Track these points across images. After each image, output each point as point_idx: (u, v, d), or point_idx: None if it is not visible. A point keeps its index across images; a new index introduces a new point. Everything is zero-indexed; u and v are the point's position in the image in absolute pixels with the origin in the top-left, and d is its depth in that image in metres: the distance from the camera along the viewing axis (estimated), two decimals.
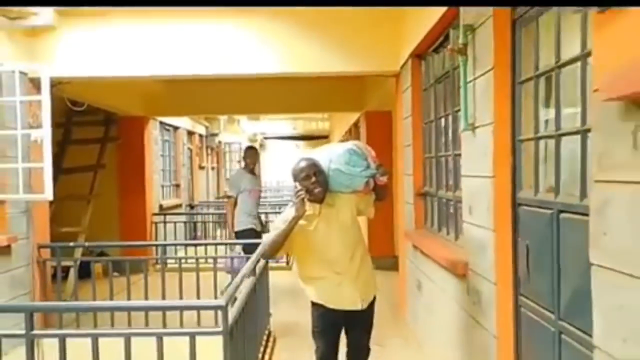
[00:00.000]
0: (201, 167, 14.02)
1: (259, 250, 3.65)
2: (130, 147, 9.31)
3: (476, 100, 3.09)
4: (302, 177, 3.08)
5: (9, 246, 5.15)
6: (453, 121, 3.92)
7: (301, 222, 3.06)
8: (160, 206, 10.22)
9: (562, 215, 2.25)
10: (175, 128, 11.63)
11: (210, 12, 5.45)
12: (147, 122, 9.53)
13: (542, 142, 2.53)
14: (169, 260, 7.13)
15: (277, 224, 3.16)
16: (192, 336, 2.71)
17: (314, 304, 3.20)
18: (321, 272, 3.13)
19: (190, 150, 12.95)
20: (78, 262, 6.16)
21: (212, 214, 11.93)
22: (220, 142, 16.10)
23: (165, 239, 9.50)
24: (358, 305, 3.14)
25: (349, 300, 3.13)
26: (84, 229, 7.81)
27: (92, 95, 7.01)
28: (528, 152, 2.66)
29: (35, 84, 5.18)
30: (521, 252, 2.67)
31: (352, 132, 11.52)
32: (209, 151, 15.08)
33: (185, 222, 10.62)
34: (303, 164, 3.13)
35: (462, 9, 3.26)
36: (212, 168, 15.69)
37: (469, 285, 3.28)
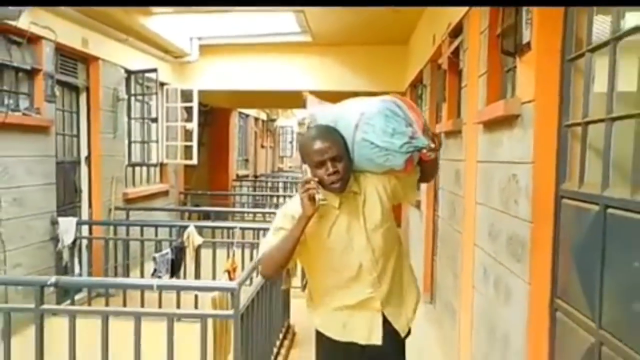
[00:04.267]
0: (262, 147, 17.68)
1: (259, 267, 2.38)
2: (219, 130, 12.99)
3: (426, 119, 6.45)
4: (315, 162, 2.05)
5: (167, 191, 8.80)
6: None
7: (313, 218, 2.04)
8: (237, 175, 13.88)
9: None
10: (247, 115, 15.25)
11: (281, 52, 8.85)
12: (231, 113, 13.16)
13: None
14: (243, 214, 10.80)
15: (278, 224, 2.15)
16: (204, 318, 2.93)
17: (318, 335, 2.30)
18: (336, 292, 2.19)
19: (256, 133, 16.59)
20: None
21: (271, 181, 15.58)
22: (276, 126, 19.67)
23: (240, 199, 13.16)
24: (377, 338, 2.18)
25: (366, 331, 2.19)
26: (192, 186, 11.50)
27: (208, 97, 10.58)
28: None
29: (184, 94, 8.76)
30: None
31: None
32: (268, 133, 18.69)
33: (254, 187, 14.27)
34: (317, 142, 2.05)
35: (424, 76, 6.59)
36: (270, 147, 19.33)
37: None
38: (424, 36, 6.51)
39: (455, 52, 4.69)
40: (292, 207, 2.15)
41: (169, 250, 4.97)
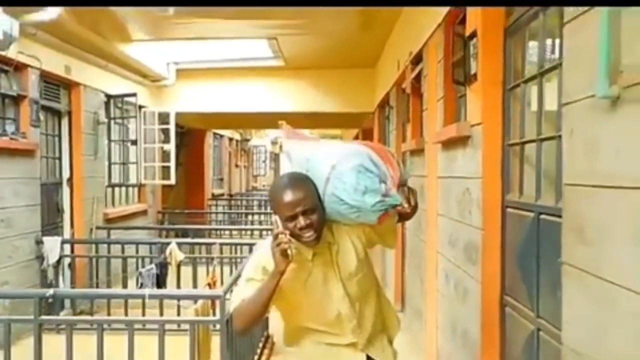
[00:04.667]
0: (237, 166, 17.94)
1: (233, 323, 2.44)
2: (194, 150, 13.23)
3: (391, 139, 6.85)
4: (286, 216, 1.92)
5: (146, 211, 9.01)
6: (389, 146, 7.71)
7: (287, 271, 1.93)
8: (212, 194, 14.11)
9: None
10: (221, 136, 15.53)
11: (254, 76, 9.22)
12: (206, 133, 13.43)
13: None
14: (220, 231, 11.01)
15: (250, 274, 2.05)
16: (192, 324, 3.11)
17: None
18: (314, 331, 2.10)
19: (230, 152, 16.86)
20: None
21: (246, 199, 15.86)
22: (250, 145, 19.98)
23: (216, 217, 13.38)
24: None
25: None
26: (169, 205, 11.70)
27: (184, 119, 10.87)
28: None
29: (161, 117, 9.03)
30: None
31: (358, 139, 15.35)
32: (242, 153, 18.98)
33: (229, 206, 14.51)
34: (287, 194, 1.93)
35: (391, 98, 7.01)
36: (245, 166, 19.60)
37: None
38: (389, 61, 6.95)
39: (417, 78, 5.10)
40: (264, 258, 1.98)
41: (153, 265, 5.24)
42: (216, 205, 13.63)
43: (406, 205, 1.96)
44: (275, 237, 1.87)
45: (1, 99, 5.20)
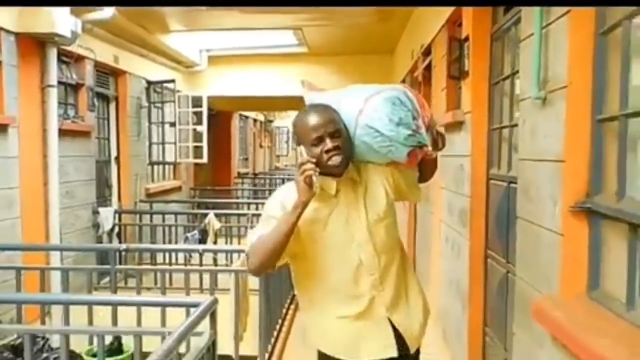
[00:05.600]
0: (261, 146, 18.72)
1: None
2: (222, 131, 14.01)
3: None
4: (311, 139, 1.88)
5: (180, 187, 9.85)
6: None
7: (309, 207, 1.83)
8: (238, 172, 14.93)
9: None
10: (246, 117, 16.29)
11: (279, 61, 9.91)
12: (232, 115, 14.20)
13: None
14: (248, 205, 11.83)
15: (269, 212, 1.94)
16: (237, 273, 3.80)
17: (321, 357, 2.02)
18: (335, 299, 1.96)
19: (254, 133, 17.64)
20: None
21: (269, 178, 16.65)
22: (273, 126, 20.74)
23: (242, 193, 14.20)
24: (392, 350, 1.94)
25: (378, 343, 1.94)
26: (200, 182, 12.55)
27: (213, 102, 11.63)
28: None
29: (194, 100, 9.80)
30: None
31: None
32: (266, 134, 19.74)
33: (254, 184, 15.33)
34: (313, 117, 1.90)
35: (406, 84, 7.64)
36: (268, 147, 20.39)
37: None
38: (405, 50, 7.59)
39: (428, 67, 5.75)
40: (284, 195, 1.93)
41: (196, 232, 6.06)
42: (242, 183, 14.45)
43: (430, 148, 1.94)
44: (300, 165, 1.81)
45: (64, 87, 5.99)
